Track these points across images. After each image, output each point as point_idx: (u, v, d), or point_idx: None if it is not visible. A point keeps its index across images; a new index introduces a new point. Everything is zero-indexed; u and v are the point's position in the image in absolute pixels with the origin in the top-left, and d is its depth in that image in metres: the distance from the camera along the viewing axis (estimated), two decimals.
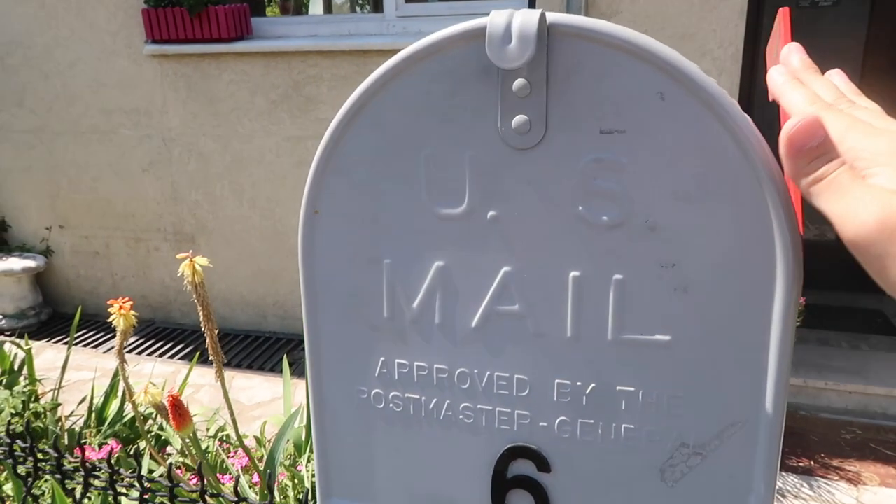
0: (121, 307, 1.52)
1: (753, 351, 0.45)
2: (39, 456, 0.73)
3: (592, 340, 0.46)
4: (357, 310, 0.53)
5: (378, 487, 0.55)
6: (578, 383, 0.49)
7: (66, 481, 1.81)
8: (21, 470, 1.78)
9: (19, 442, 0.71)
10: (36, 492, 1.74)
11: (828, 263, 3.62)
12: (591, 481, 0.51)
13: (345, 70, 3.04)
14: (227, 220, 3.46)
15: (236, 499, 0.66)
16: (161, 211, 3.55)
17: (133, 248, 3.67)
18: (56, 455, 0.69)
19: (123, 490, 0.71)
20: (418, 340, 0.52)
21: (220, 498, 0.70)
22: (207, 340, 1.37)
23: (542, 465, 0.51)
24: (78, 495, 0.75)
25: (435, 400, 0.53)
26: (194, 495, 0.66)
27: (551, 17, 0.43)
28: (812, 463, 2.52)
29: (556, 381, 0.49)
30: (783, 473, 2.50)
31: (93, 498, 1.87)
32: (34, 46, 3.45)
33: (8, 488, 1.75)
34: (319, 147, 0.51)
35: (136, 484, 0.66)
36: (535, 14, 0.42)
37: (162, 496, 0.69)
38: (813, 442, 2.61)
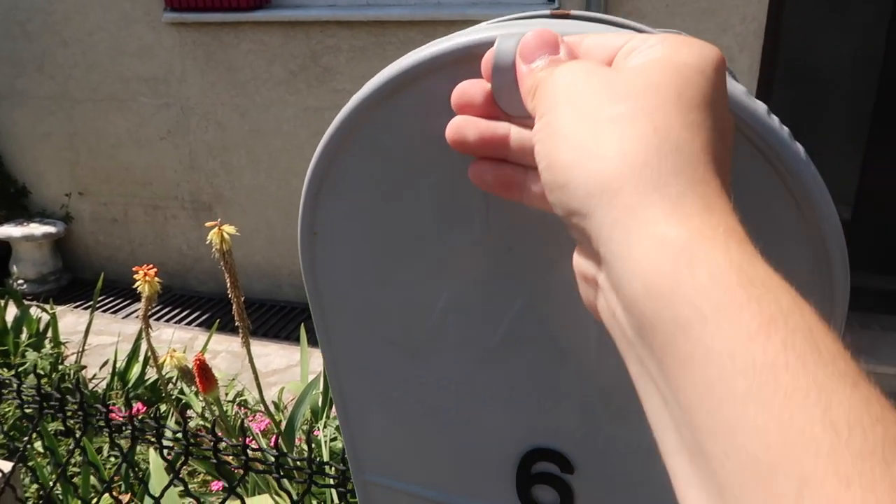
0: (146, 274, 1.56)
1: None
2: (87, 411, 0.77)
3: (615, 353, 0.41)
4: (369, 326, 0.50)
5: (406, 469, 0.56)
6: (601, 390, 0.47)
7: (98, 438, 1.87)
8: (53, 427, 1.84)
9: (68, 397, 0.75)
10: (63, 450, 1.80)
11: None
12: (615, 482, 0.50)
13: (363, 41, 3.04)
14: (243, 190, 3.50)
15: (277, 453, 0.70)
16: (179, 179, 3.59)
17: (151, 216, 3.72)
18: (104, 410, 0.73)
19: (169, 444, 0.75)
20: (436, 357, 0.50)
21: (262, 452, 0.74)
22: (234, 307, 1.40)
23: (566, 466, 0.51)
24: (124, 449, 0.79)
25: (456, 406, 0.52)
26: (237, 450, 0.69)
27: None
28: None
29: (580, 391, 0.48)
30: None
31: (112, 460, 1.93)
32: (54, 13, 3.47)
33: (38, 445, 1.81)
34: (311, 164, 0.46)
35: (181, 438, 0.70)
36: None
37: (206, 450, 0.73)
38: None
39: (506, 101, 0.34)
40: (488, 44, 0.36)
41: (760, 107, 0.35)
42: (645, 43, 0.29)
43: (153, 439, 0.72)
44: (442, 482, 0.56)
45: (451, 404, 0.52)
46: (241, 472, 0.72)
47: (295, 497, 0.71)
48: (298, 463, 1.17)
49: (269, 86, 3.27)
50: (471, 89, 0.36)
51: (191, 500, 1.74)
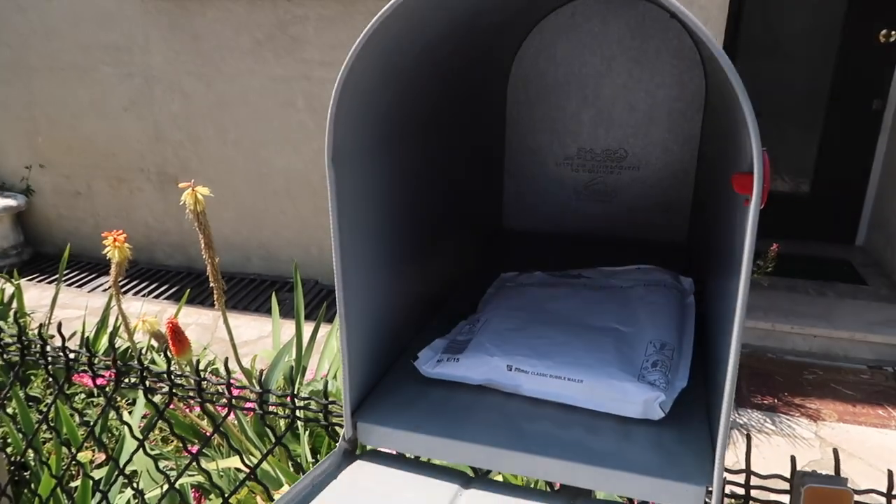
0: (115, 239, 1.55)
1: None
2: (67, 357, 0.78)
3: None
4: None
5: None
6: None
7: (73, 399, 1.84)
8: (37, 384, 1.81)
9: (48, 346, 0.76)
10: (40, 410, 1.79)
11: (799, 215, 3.74)
12: None
13: (331, 10, 3.02)
14: (210, 162, 3.46)
15: (260, 390, 0.72)
16: (143, 151, 3.53)
17: (115, 189, 3.66)
18: (89, 354, 0.74)
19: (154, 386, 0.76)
20: None
21: (247, 390, 0.76)
22: (209, 268, 1.41)
23: None
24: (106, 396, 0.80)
25: None
26: (220, 388, 0.71)
27: None
28: (776, 401, 2.65)
29: None
30: (748, 410, 2.64)
31: (93, 416, 1.92)
32: None
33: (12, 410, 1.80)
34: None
35: (166, 378, 0.72)
36: None
37: (190, 389, 0.75)
38: (778, 382, 2.74)
39: None
40: None
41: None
42: None
43: (136, 380, 0.73)
44: None
45: None
46: (224, 414, 0.74)
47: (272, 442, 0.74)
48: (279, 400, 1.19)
49: (236, 55, 3.23)
50: None
51: (164, 462, 1.75)
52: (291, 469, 1.51)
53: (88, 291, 3.39)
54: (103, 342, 2.39)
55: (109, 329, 2.40)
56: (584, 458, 0.62)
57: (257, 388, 0.72)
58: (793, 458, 0.69)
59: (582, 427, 0.66)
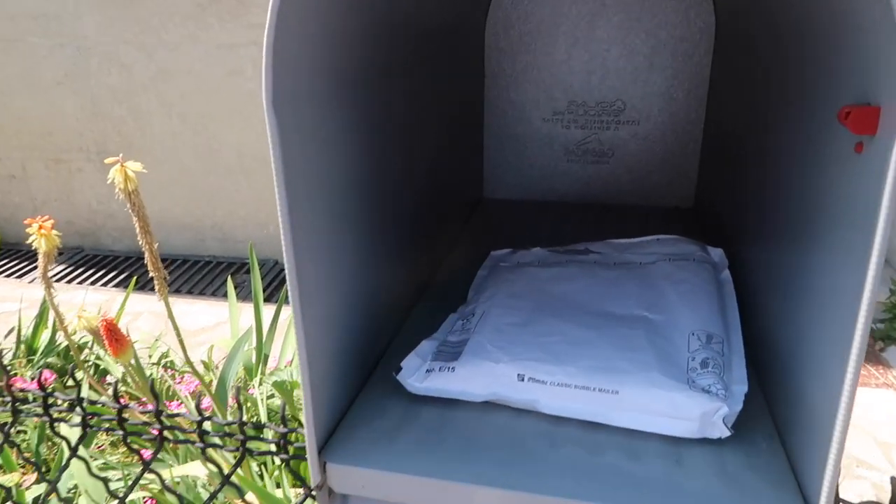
0: (41, 227, 1.34)
1: None
2: None
3: None
4: None
5: None
6: None
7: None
8: None
9: None
10: None
11: None
12: None
13: None
14: (156, 138, 3.21)
15: (200, 417, 0.55)
16: (82, 128, 3.27)
17: (53, 170, 3.39)
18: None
19: (60, 415, 0.59)
20: None
21: (180, 418, 0.59)
22: (147, 255, 1.22)
23: None
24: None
25: None
26: (147, 416, 0.55)
27: None
28: None
29: None
30: None
31: (29, 432, 1.73)
32: None
33: None
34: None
35: (78, 408, 0.55)
36: None
37: (109, 419, 0.58)
38: None
39: None
40: None
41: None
42: None
43: (41, 411, 0.56)
44: None
45: None
46: (162, 442, 0.57)
47: (226, 469, 0.57)
48: (227, 428, 1.02)
49: (177, 21, 2.97)
50: None
51: (112, 471, 1.57)
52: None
53: (29, 282, 3.14)
54: (43, 338, 2.18)
55: (50, 324, 2.19)
56: (629, 495, 0.47)
57: (195, 415, 0.55)
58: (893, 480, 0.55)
59: (620, 451, 0.51)
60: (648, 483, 0.48)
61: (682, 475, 0.49)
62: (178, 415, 0.56)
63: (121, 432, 0.58)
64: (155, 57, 3.06)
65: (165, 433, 0.57)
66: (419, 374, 0.57)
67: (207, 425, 0.61)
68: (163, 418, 0.56)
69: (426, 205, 0.78)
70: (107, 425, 0.60)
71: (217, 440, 1.31)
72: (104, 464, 1.63)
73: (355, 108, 0.54)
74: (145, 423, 0.58)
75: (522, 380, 0.54)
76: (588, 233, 0.84)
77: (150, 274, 1.23)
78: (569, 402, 0.53)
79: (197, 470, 1.38)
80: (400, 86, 0.66)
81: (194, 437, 0.57)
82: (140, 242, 1.23)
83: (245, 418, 1.75)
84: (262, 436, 0.56)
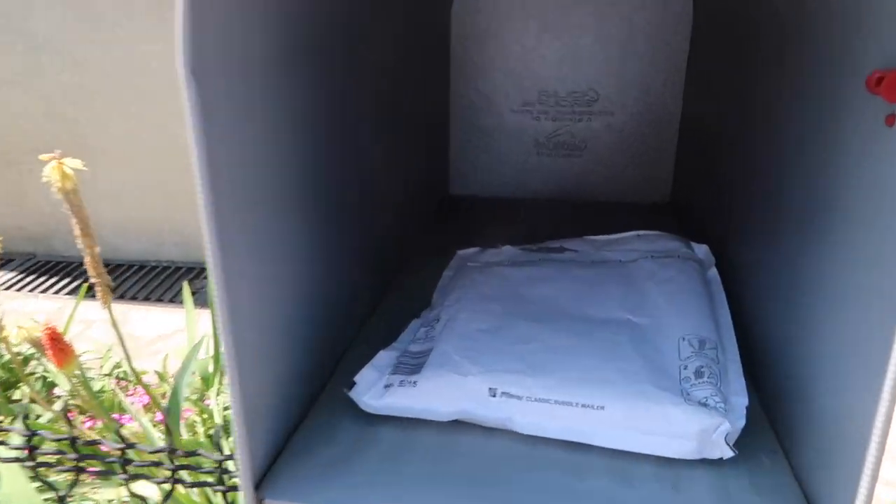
0: None
1: None
2: None
3: None
4: None
5: None
6: None
7: None
8: None
9: None
10: None
11: None
12: None
13: None
14: (112, 138, 3.08)
15: (123, 445, 0.47)
16: (33, 129, 3.13)
17: (3, 173, 3.24)
18: None
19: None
20: None
21: (96, 446, 0.51)
22: (87, 259, 1.13)
23: None
24: None
25: None
26: (60, 444, 0.47)
27: None
28: None
29: None
30: None
31: None
32: None
33: None
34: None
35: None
36: None
37: (16, 449, 0.49)
38: None
39: None
40: None
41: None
42: None
43: None
44: None
45: None
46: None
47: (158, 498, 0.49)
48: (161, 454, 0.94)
49: (133, 17, 2.86)
50: None
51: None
52: None
53: None
54: None
55: None
56: None
57: (119, 441, 0.47)
58: None
59: (608, 475, 0.44)
60: None
61: (680, 501, 0.42)
62: (97, 442, 0.48)
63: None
64: (110, 55, 2.94)
65: (85, 462, 0.50)
66: (376, 390, 0.49)
67: (132, 452, 0.53)
68: (79, 446, 0.48)
69: (384, 201, 0.71)
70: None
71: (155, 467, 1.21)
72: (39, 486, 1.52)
73: (303, 86, 0.47)
74: (58, 453, 0.49)
75: (494, 395, 0.47)
76: (561, 230, 0.78)
77: (91, 280, 1.14)
78: (548, 419, 0.46)
79: (152, 489, 1.29)
80: (351, 69, 0.59)
81: (116, 466, 0.49)
82: (80, 246, 1.14)
83: (201, 431, 1.65)
84: (196, 464, 0.49)
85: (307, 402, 0.50)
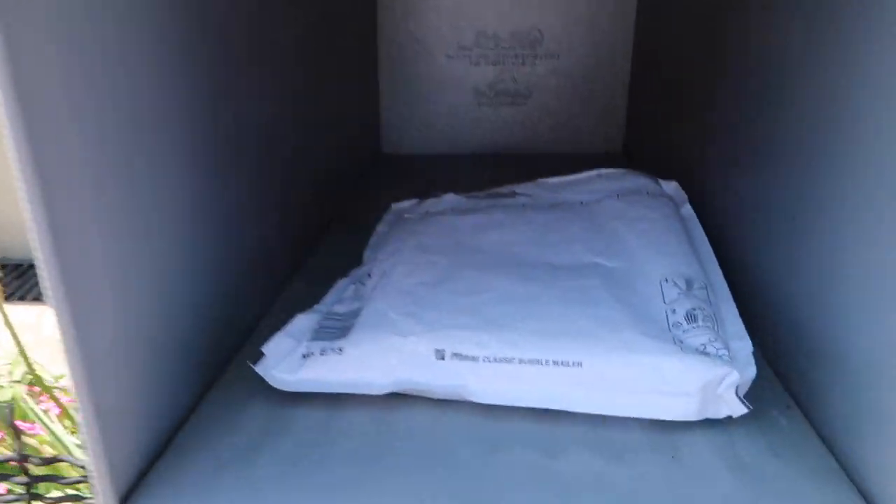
0: None
1: None
2: None
3: None
4: None
5: None
6: None
7: None
8: None
9: None
10: None
11: None
12: None
13: None
14: None
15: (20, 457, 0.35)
16: None
17: None
18: None
19: None
20: None
21: None
22: None
23: None
24: None
25: None
26: None
27: None
28: None
29: None
30: None
31: None
32: None
33: None
34: None
35: None
36: None
37: None
38: None
39: None
40: None
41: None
42: None
43: None
44: None
45: None
46: None
47: None
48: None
49: None
50: None
51: None
52: None
53: None
54: None
55: None
56: None
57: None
58: None
59: (592, 450, 0.35)
60: (639, 493, 0.32)
61: (684, 475, 0.33)
62: None
63: None
64: None
65: None
66: (291, 361, 0.39)
67: None
68: None
69: (302, 160, 0.60)
70: None
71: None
72: None
73: (192, 23, 0.35)
74: None
75: (443, 357, 0.37)
76: (509, 185, 0.68)
77: None
78: (512, 383, 0.37)
79: None
80: (262, 6, 0.47)
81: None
82: None
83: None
84: (57, 474, 0.37)
85: (202, 386, 0.39)
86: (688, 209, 0.56)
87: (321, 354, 0.38)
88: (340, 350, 0.38)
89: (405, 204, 0.64)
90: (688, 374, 0.35)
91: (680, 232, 0.50)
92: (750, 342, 0.39)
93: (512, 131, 0.94)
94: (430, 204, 0.62)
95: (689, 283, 0.43)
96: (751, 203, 0.47)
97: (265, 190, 0.50)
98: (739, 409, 0.35)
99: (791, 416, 0.37)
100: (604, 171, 0.62)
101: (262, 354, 0.39)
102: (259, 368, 0.38)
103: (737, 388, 0.35)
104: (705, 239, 0.51)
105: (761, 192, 0.45)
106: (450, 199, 0.62)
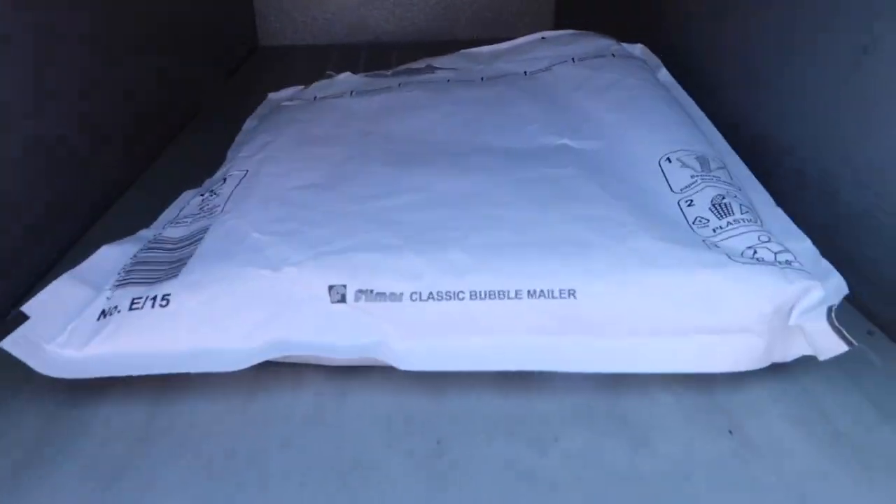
0: None
1: None
2: None
3: None
4: None
5: None
6: None
7: None
8: None
9: None
10: None
11: None
12: None
13: None
14: None
15: None
16: None
17: None
18: None
19: None
20: None
21: None
22: None
23: None
24: None
25: None
26: None
27: None
28: None
29: None
30: None
31: None
32: None
33: None
34: None
35: None
36: None
37: None
38: None
39: None
40: None
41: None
42: None
43: None
44: None
45: None
46: None
47: None
48: None
49: None
50: None
51: None
52: None
53: None
54: None
55: None
56: None
57: None
58: None
59: (597, 436, 0.21)
60: (683, 497, 0.19)
61: (752, 460, 0.20)
62: None
63: None
64: None
65: None
66: (79, 326, 0.22)
67: None
68: None
69: (147, 47, 0.42)
70: None
71: None
72: None
73: None
74: None
75: (343, 298, 0.22)
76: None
77: None
78: (461, 336, 0.22)
79: None
80: None
81: None
82: None
83: None
84: None
85: None
86: (665, 74, 0.42)
87: (131, 310, 0.22)
88: (166, 299, 0.22)
89: (285, 92, 0.47)
90: (748, 296, 0.21)
91: (671, 100, 0.36)
92: (809, 239, 0.26)
93: (420, 15, 0.77)
94: (320, 87, 0.45)
95: (703, 163, 0.29)
96: (739, 53, 0.34)
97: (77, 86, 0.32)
98: (831, 346, 0.22)
99: (880, 348, 0.25)
100: (549, 33, 0.47)
101: (20, 315, 0.23)
102: (15, 348, 0.22)
103: (828, 310, 0.21)
104: (700, 111, 0.37)
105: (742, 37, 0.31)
106: (346, 79, 0.45)
